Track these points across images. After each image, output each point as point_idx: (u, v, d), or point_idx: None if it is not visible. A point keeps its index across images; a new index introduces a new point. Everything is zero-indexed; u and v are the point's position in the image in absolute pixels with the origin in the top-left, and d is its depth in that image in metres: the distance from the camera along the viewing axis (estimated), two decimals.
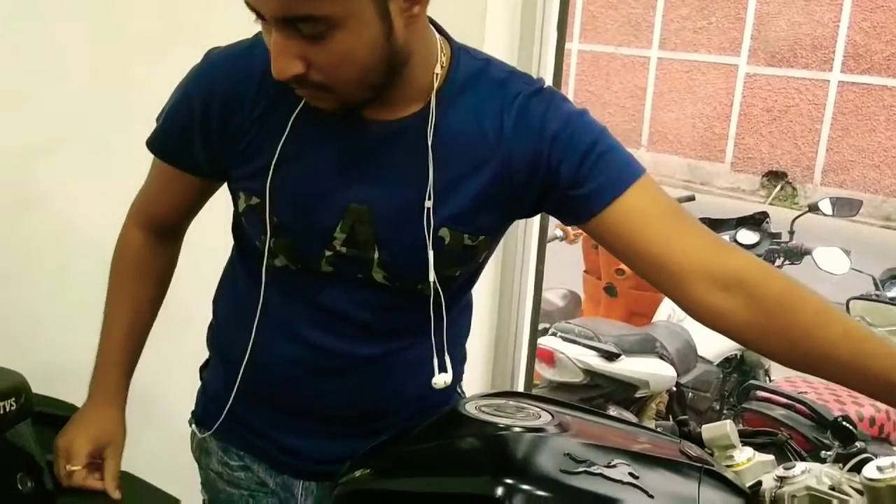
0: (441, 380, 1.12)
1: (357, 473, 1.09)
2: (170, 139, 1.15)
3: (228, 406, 1.22)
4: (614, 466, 1.00)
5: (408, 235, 1.07)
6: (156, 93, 1.57)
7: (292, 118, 1.05)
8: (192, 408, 1.34)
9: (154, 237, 1.26)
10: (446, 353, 1.13)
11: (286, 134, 1.06)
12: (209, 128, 1.09)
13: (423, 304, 1.10)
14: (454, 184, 1.06)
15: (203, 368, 1.33)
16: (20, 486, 1.14)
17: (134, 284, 1.26)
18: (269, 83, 1.01)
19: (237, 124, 1.08)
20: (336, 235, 1.07)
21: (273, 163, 1.06)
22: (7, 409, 1.12)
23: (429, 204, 1.05)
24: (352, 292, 1.12)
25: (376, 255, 1.08)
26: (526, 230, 2.28)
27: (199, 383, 1.33)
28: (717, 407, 3.53)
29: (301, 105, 1.05)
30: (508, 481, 0.95)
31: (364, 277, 1.10)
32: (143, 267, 1.26)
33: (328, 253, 1.09)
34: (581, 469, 0.99)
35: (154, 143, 1.17)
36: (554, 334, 3.13)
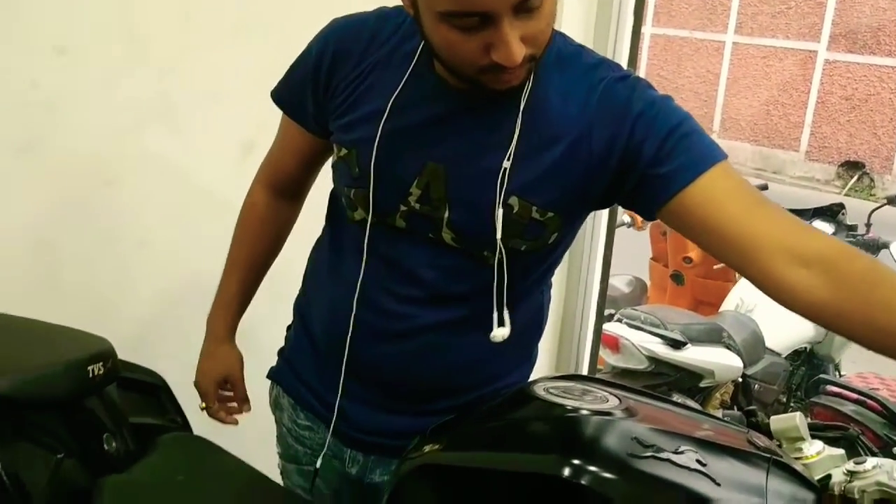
0: (500, 333, 1.13)
1: (426, 448, 1.11)
2: (289, 90, 1.25)
3: (296, 365, 1.32)
4: (682, 453, 1.00)
5: (478, 197, 1.09)
6: (234, 76, 1.62)
7: (404, 78, 1.11)
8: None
9: (275, 196, 1.38)
10: (507, 310, 1.14)
11: (384, 92, 1.12)
12: (318, 79, 1.18)
13: (489, 276, 1.12)
14: (530, 154, 1.09)
15: (288, 328, 1.40)
16: (106, 446, 1.20)
17: (253, 239, 1.39)
18: (376, 46, 1.13)
19: (341, 77, 1.16)
20: (412, 191, 1.12)
21: (366, 117, 1.13)
22: (95, 373, 1.18)
23: (507, 164, 1.07)
24: (422, 250, 1.15)
25: (446, 215, 1.11)
26: (595, 215, 2.28)
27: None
28: (784, 400, 3.48)
29: (410, 69, 1.11)
30: (576, 462, 0.96)
31: (434, 237, 1.14)
32: (262, 224, 1.39)
33: (403, 208, 1.13)
34: (648, 454, 0.99)
35: (276, 93, 1.28)
36: (619, 320, 3.12)
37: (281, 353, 1.39)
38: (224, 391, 1.44)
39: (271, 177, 1.37)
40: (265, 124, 1.32)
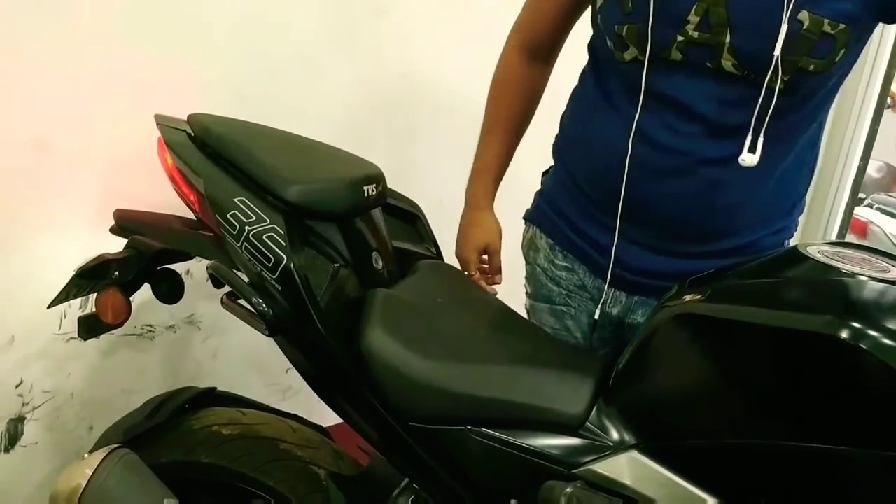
0: (749, 159, 1.12)
1: (686, 297, 1.10)
2: None
3: (560, 206, 1.35)
4: None
5: (763, 17, 1.05)
6: None
7: None
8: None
9: (530, 59, 1.38)
10: (762, 137, 1.12)
11: None
12: None
13: (768, 104, 1.09)
14: None
15: (545, 173, 1.43)
16: (375, 263, 1.27)
17: (510, 101, 1.41)
18: None
19: None
20: (689, 19, 1.08)
21: None
22: (369, 194, 1.25)
23: None
24: (698, 82, 1.12)
25: (728, 40, 1.08)
26: (868, 86, 2.09)
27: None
28: None
29: None
30: (856, 325, 0.91)
31: (713, 66, 1.10)
32: (520, 87, 1.40)
33: (679, 38, 1.10)
34: None
35: None
36: (871, 206, 2.89)
37: (539, 194, 1.40)
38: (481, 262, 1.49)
39: (526, 40, 1.37)
40: None
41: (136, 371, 1.78)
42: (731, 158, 1.15)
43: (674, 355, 1.09)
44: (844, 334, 0.91)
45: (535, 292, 1.42)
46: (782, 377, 1.00)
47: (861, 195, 3.05)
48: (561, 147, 1.38)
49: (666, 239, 1.24)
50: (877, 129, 2.22)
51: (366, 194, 1.23)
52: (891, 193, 3.03)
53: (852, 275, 1.02)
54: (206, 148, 1.21)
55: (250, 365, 1.91)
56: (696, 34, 1.09)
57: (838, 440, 0.95)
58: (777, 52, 1.06)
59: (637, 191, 1.21)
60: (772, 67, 1.07)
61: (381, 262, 1.29)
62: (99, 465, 1.18)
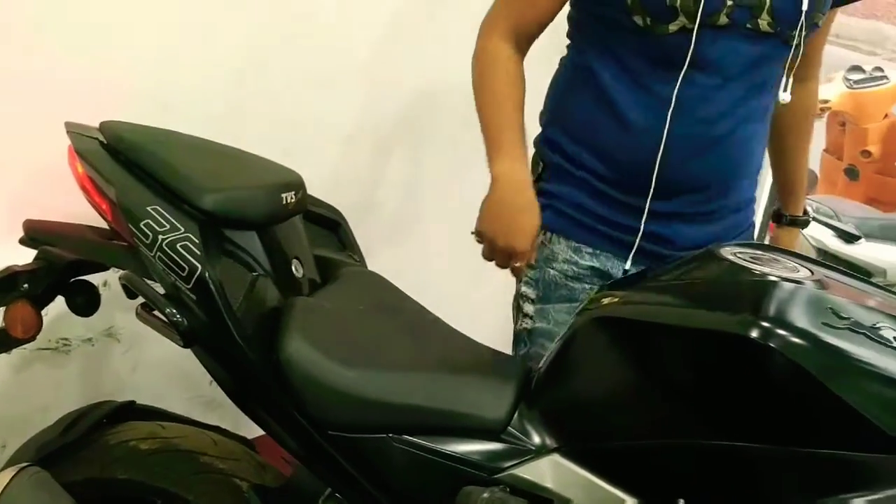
0: (784, 97, 1.32)
1: (605, 301, 1.11)
2: None
3: (579, 203, 1.36)
4: (879, 328, 0.96)
5: None
6: None
7: None
8: None
9: (515, 49, 1.34)
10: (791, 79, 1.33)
11: None
12: None
13: (786, 56, 1.28)
14: None
15: (537, 181, 1.38)
16: (295, 271, 1.26)
17: (507, 83, 1.32)
18: None
19: None
20: None
21: None
22: (288, 201, 1.23)
23: None
24: (737, 44, 1.24)
25: (769, 1, 1.22)
26: None
27: None
28: None
29: None
30: (766, 324, 0.94)
31: (752, 27, 1.23)
32: (511, 73, 1.33)
33: (729, 2, 1.21)
34: (844, 326, 0.96)
35: None
36: None
37: (547, 199, 1.36)
38: None
39: (510, 31, 1.32)
40: None
41: (52, 386, 1.73)
42: (764, 111, 1.34)
43: (593, 358, 1.11)
44: (755, 334, 0.94)
45: (549, 295, 1.39)
46: (697, 377, 1.02)
47: None
48: (568, 144, 1.36)
49: (701, 203, 1.35)
50: None
51: (284, 202, 1.22)
52: (810, 197, 3.12)
53: (763, 275, 1.04)
54: (118, 156, 1.19)
55: (172, 377, 1.87)
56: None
57: (752, 437, 0.97)
58: (805, 6, 1.22)
59: (676, 168, 1.28)
60: (800, 23, 1.23)
61: (301, 270, 1.28)
62: (7, 484, 1.14)
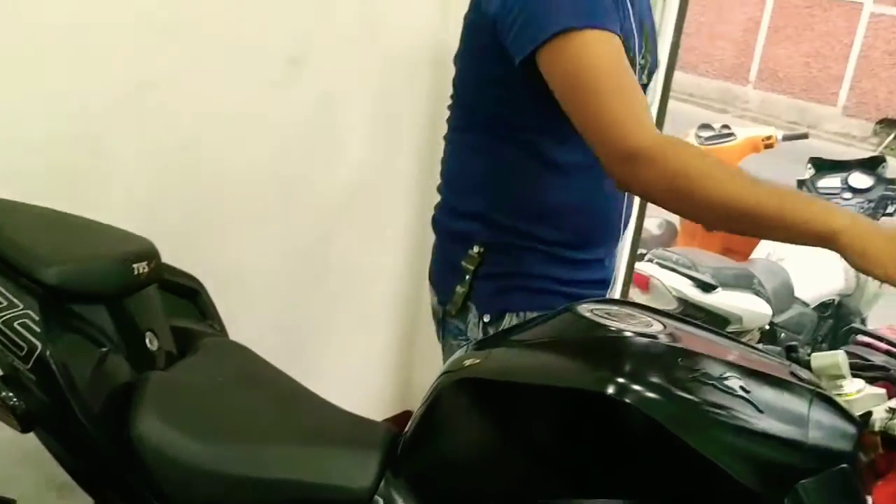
0: None
1: (467, 362, 1.11)
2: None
3: (544, 277, 1.40)
4: (726, 379, 1.00)
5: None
6: None
7: None
8: None
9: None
10: None
11: None
12: None
13: None
14: None
15: (484, 277, 1.41)
16: (149, 344, 1.21)
17: (731, 169, 1.21)
18: None
19: None
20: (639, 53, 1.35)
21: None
22: (140, 272, 1.18)
23: None
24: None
25: (650, 60, 1.39)
26: None
27: None
28: (809, 351, 3.46)
29: None
30: (621, 381, 0.96)
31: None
32: (713, 158, 1.21)
33: (644, 80, 1.40)
34: (693, 377, 0.99)
35: (608, 23, 1.18)
36: (651, 260, 3.10)
37: (506, 285, 1.40)
38: None
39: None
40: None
41: None
42: None
43: (457, 421, 1.10)
44: (611, 390, 0.95)
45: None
46: (559, 435, 1.03)
47: (643, 251, 3.27)
48: (517, 220, 1.38)
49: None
50: None
51: (136, 272, 1.17)
52: (669, 249, 3.26)
53: (619, 331, 1.07)
54: None
55: (20, 460, 1.75)
56: (643, 60, 1.35)
57: (617, 493, 0.98)
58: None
59: (620, 213, 1.44)
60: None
61: (156, 343, 1.22)
62: None
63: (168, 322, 1.30)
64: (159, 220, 1.62)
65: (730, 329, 3.10)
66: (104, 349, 1.11)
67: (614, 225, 1.46)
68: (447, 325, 1.48)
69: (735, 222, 1.18)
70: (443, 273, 1.49)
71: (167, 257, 1.30)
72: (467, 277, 1.40)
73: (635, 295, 3.01)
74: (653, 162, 1.14)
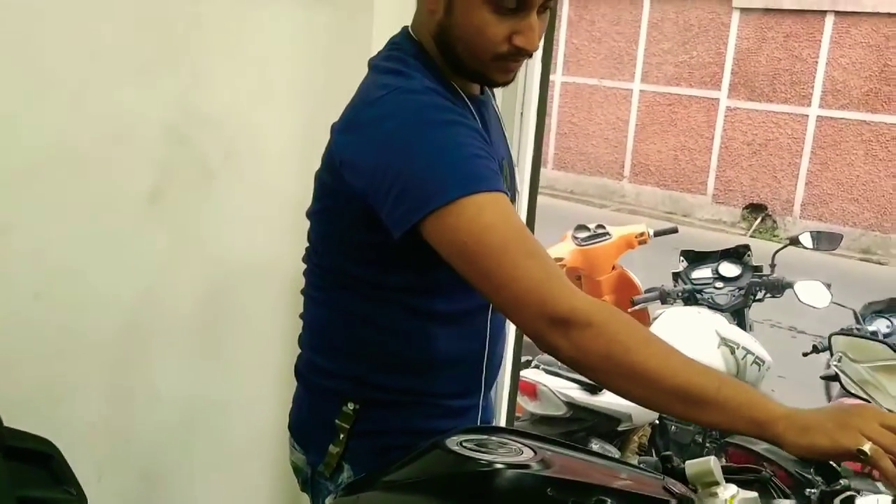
0: None
1: None
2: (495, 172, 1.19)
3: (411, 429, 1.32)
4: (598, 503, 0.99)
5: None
6: (139, 116, 1.54)
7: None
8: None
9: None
10: None
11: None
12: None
13: None
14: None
15: (352, 429, 1.31)
16: None
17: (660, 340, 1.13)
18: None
19: None
20: None
21: None
22: None
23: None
24: None
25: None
26: None
27: None
28: (700, 440, 3.52)
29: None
30: None
31: None
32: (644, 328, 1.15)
33: None
34: None
35: (494, 184, 1.14)
36: (537, 367, 3.11)
37: (388, 441, 1.30)
38: None
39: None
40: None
41: None
42: None
43: None
44: None
45: None
46: None
47: (528, 357, 3.29)
48: (391, 378, 1.32)
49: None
50: None
51: None
52: None
53: (490, 464, 1.05)
54: None
55: None
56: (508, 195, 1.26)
57: None
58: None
59: (498, 356, 1.42)
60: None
61: None
62: None
63: (14, 493, 1.20)
64: (4, 376, 1.52)
65: (621, 427, 3.13)
66: None
67: (495, 367, 1.43)
68: (318, 485, 1.36)
69: (668, 397, 1.09)
70: (312, 428, 1.38)
71: (11, 420, 1.22)
72: (342, 437, 1.30)
73: (524, 402, 3.01)
74: (587, 326, 1.07)
